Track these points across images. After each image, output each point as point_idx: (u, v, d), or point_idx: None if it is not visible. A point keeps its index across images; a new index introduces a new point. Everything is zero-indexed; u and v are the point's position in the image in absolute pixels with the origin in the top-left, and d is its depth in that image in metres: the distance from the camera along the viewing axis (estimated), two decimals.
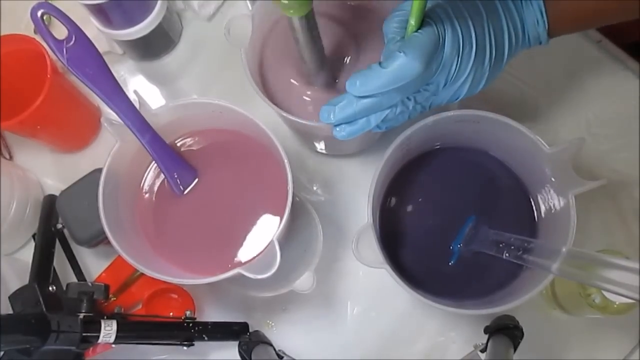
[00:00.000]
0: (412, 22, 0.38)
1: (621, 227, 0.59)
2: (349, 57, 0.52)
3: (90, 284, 0.49)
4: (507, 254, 0.45)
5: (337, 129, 0.42)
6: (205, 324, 0.53)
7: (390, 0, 0.48)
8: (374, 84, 0.38)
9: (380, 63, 0.38)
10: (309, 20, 0.43)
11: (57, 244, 0.58)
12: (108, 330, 0.45)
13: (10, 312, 0.51)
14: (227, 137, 0.52)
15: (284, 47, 0.53)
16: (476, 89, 0.43)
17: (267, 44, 0.53)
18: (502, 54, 0.42)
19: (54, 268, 0.56)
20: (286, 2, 0.40)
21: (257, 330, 0.55)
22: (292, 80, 0.52)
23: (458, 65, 0.41)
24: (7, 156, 0.66)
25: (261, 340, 0.52)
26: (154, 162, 0.51)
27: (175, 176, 0.50)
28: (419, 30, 0.38)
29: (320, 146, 0.60)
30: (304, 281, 0.50)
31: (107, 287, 0.50)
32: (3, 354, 0.41)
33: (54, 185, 0.64)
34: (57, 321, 0.41)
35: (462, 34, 0.40)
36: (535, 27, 0.43)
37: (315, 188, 0.62)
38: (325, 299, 0.59)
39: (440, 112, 0.46)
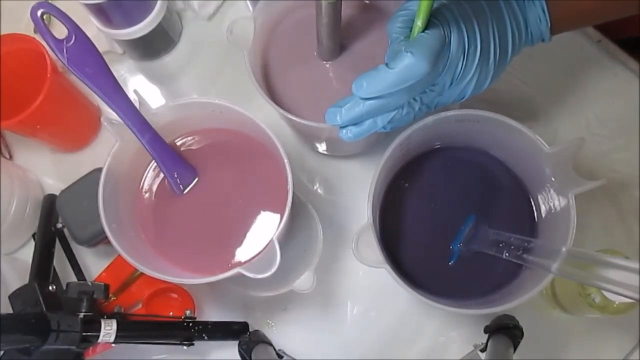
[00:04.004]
0: (419, 23, 0.38)
1: (621, 227, 0.59)
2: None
3: (90, 283, 0.49)
4: (507, 254, 0.45)
5: (344, 130, 0.42)
6: (205, 323, 0.53)
7: (394, 0, 0.48)
8: (381, 85, 0.38)
9: (386, 64, 0.38)
10: (337, 6, 0.44)
11: (57, 244, 0.58)
12: (108, 330, 0.45)
13: (10, 311, 0.51)
14: (227, 136, 0.52)
15: (286, 48, 0.53)
16: (481, 88, 0.43)
17: (270, 45, 0.53)
18: (506, 52, 0.43)
19: (54, 268, 0.56)
20: None
21: (257, 330, 0.55)
22: (294, 81, 0.52)
23: (464, 65, 0.41)
24: (7, 156, 0.66)
25: (261, 339, 0.52)
26: (153, 161, 0.51)
27: (175, 176, 0.50)
28: (426, 31, 0.38)
29: (322, 147, 0.60)
30: (304, 281, 0.50)
31: (107, 287, 0.50)
32: (3, 354, 0.41)
33: (54, 185, 0.64)
34: (57, 321, 0.41)
35: (467, 34, 0.40)
36: (538, 24, 0.43)
37: (315, 188, 0.62)
38: (325, 299, 0.59)
39: (440, 112, 0.46)
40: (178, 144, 0.52)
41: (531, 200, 0.50)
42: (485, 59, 0.41)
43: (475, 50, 0.41)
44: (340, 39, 0.50)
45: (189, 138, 0.53)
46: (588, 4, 0.43)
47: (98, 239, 0.55)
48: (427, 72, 0.38)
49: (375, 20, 0.53)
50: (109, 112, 0.63)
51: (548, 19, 0.43)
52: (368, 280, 0.59)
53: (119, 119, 0.45)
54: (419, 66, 0.37)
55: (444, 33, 0.39)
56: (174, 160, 0.50)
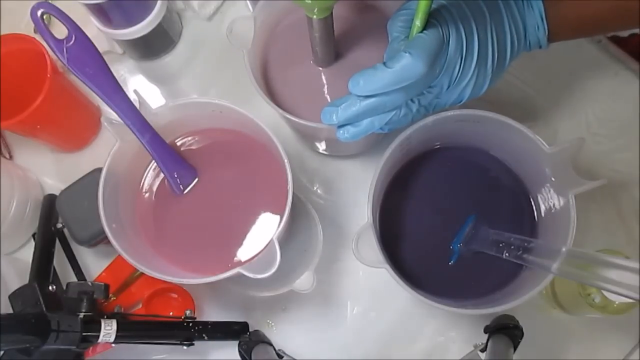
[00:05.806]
0: (418, 23, 0.38)
1: (621, 227, 0.59)
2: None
3: (90, 283, 0.49)
4: (507, 254, 0.45)
5: (341, 130, 0.42)
6: (205, 323, 0.53)
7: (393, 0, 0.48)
8: (377, 84, 0.38)
9: (384, 62, 0.38)
10: (328, 21, 0.44)
11: (57, 244, 0.58)
12: (108, 330, 0.45)
13: (10, 311, 0.51)
14: (227, 136, 0.52)
15: (286, 48, 0.53)
16: (479, 92, 0.43)
17: (270, 45, 0.53)
18: (505, 56, 0.43)
19: (54, 267, 0.56)
20: (309, 1, 0.41)
21: (257, 330, 0.55)
22: (294, 81, 0.52)
23: (461, 67, 0.41)
24: (7, 156, 0.66)
25: (261, 339, 0.52)
26: (153, 161, 0.51)
27: (175, 176, 0.50)
28: (424, 32, 0.39)
29: (322, 147, 0.60)
30: (304, 281, 0.50)
31: (107, 287, 0.50)
32: (3, 354, 0.41)
33: (54, 185, 0.64)
34: (57, 321, 0.41)
35: (465, 36, 0.40)
36: (536, 32, 0.43)
37: (315, 188, 0.62)
38: (325, 299, 0.59)
39: (440, 112, 0.46)
40: (178, 144, 0.52)
41: (531, 200, 0.50)
42: (483, 62, 0.41)
43: (472, 53, 0.41)
44: (335, 48, 0.50)
45: (189, 138, 0.53)
46: (588, 12, 0.43)
47: (98, 239, 0.55)
48: (424, 73, 0.38)
49: (374, 22, 0.53)
50: (109, 112, 0.63)
51: (546, 26, 0.43)
52: (368, 280, 0.59)
53: (119, 119, 0.45)
54: (416, 66, 0.37)
55: (442, 34, 0.39)
56: (174, 160, 0.50)
